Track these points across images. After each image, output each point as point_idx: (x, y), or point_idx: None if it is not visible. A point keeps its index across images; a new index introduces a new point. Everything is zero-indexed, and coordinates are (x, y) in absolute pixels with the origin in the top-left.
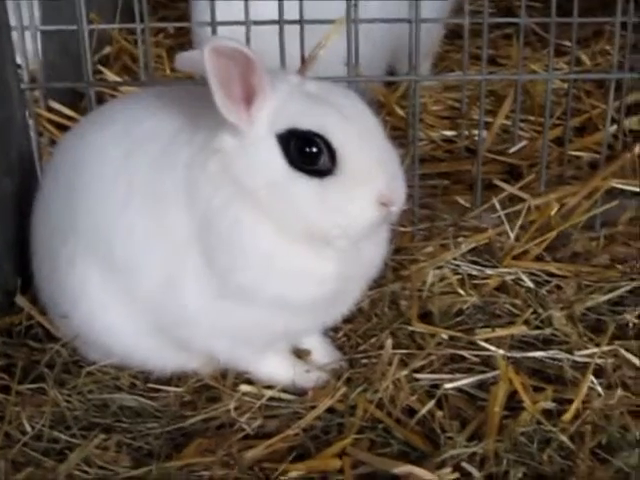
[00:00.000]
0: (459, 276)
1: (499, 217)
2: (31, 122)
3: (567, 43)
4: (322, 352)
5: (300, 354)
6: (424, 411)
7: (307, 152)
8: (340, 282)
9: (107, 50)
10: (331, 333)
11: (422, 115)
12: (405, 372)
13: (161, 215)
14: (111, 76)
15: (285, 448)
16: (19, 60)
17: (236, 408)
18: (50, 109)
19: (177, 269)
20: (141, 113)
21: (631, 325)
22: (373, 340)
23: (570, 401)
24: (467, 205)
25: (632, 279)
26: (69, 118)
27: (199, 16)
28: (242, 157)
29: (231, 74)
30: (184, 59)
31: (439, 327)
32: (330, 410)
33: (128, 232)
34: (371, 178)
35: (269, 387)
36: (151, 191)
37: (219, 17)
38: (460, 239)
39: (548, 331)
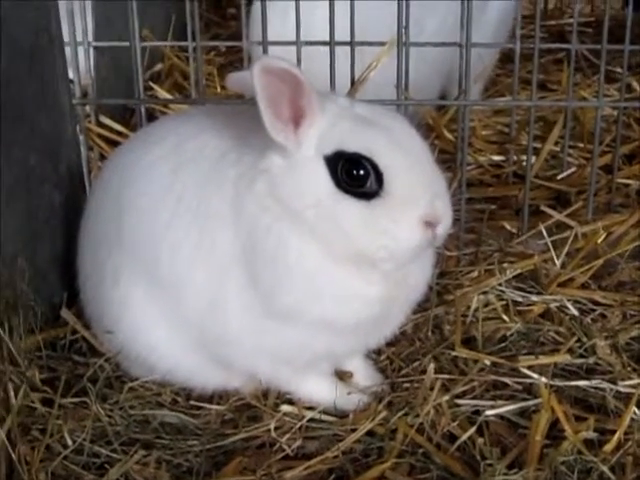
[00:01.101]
0: (504, 302)
1: (545, 244)
2: (81, 137)
3: (618, 70)
4: (364, 374)
5: (342, 376)
6: (465, 437)
7: (354, 174)
8: (384, 305)
9: (159, 67)
10: (374, 356)
11: (471, 139)
12: (447, 397)
13: (207, 233)
14: (162, 93)
15: (324, 470)
16: (71, 75)
17: (276, 428)
18: (101, 124)
19: (222, 287)
20: (190, 131)
21: None
22: (415, 364)
23: (612, 432)
24: (513, 231)
25: None
26: (119, 134)
27: (252, 35)
28: (289, 178)
29: (280, 94)
30: (234, 79)
31: (482, 353)
32: (370, 433)
33: (174, 249)
34: (417, 200)
35: (310, 408)
36: (198, 209)
37: (272, 36)
38: (505, 265)
39: (592, 360)
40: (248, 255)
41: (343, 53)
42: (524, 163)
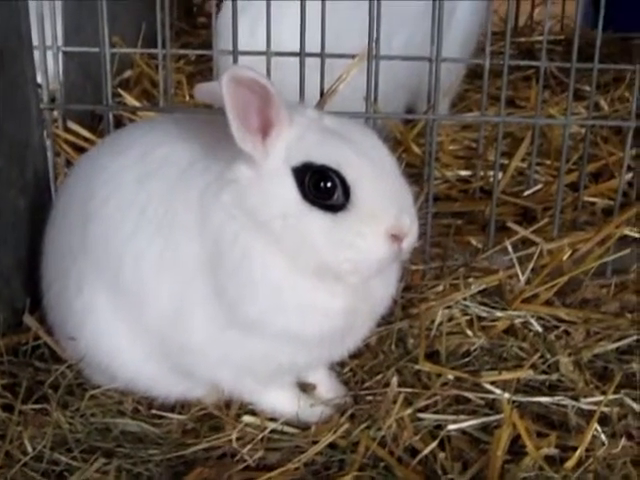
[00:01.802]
0: (468, 317)
1: (511, 259)
2: (48, 142)
3: (587, 88)
4: (327, 387)
5: (305, 388)
6: (426, 451)
7: (322, 187)
8: (348, 318)
9: (128, 74)
10: (337, 368)
11: (438, 154)
12: (409, 411)
13: (172, 243)
14: (130, 100)
15: None
16: (40, 79)
17: (238, 438)
18: (68, 130)
19: (186, 297)
20: (158, 139)
21: (638, 374)
22: (379, 377)
23: (574, 448)
24: (479, 246)
25: None
26: (86, 140)
27: (221, 44)
28: (256, 188)
29: (249, 104)
30: (203, 90)
31: (445, 367)
32: (332, 446)
33: (138, 258)
34: (383, 214)
35: (272, 419)
36: (163, 219)
37: (241, 46)
38: (471, 279)
39: (555, 377)
40: (213, 265)
41: (313, 64)
42: (491, 179)
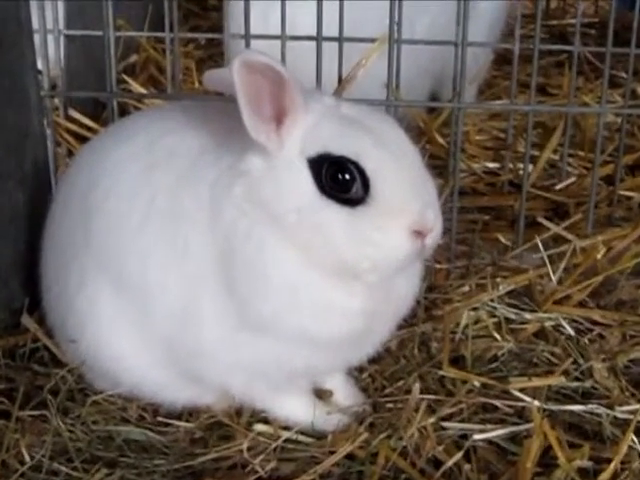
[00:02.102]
0: (495, 319)
1: (541, 258)
2: (49, 131)
3: (623, 74)
4: (345, 393)
5: (321, 394)
6: (451, 463)
7: (339, 179)
8: (367, 319)
9: (133, 59)
10: (355, 373)
11: (464, 145)
12: (432, 420)
13: (181, 238)
14: (136, 87)
15: None
16: (40, 65)
17: (249, 448)
18: (69, 118)
19: (195, 296)
20: (165, 128)
21: None
22: (400, 383)
23: (608, 460)
24: (508, 243)
25: None
26: (89, 129)
27: (233, 28)
28: (270, 181)
29: (261, 91)
30: (213, 76)
31: (471, 373)
32: (350, 456)
33: (144, 254)
34: (405, 208)
35: (286, 428)
36: (171, 212)
37: (254, 30)
38: (498, 279)
39: (588, 383)
40: (224, 261)
41: (330, 49)
42: (520, 172)
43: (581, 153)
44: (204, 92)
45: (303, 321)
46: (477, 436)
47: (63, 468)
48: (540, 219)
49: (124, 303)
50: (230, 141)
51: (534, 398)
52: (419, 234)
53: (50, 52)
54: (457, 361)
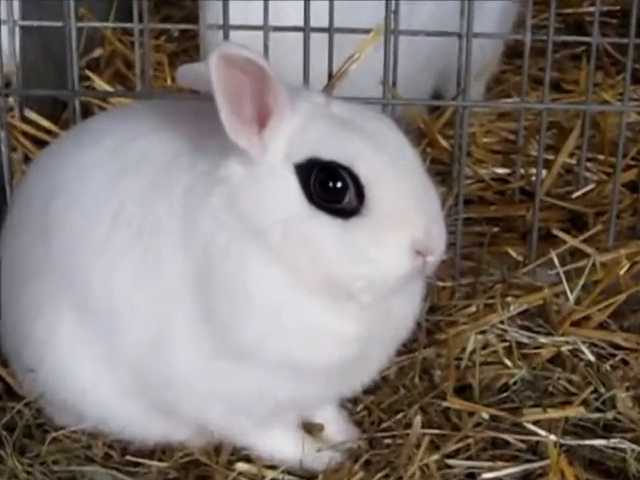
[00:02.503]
0: (506, 343)
1: (557, 274)
2: (3, 134)
3: None
4: (337, 428)
5: (310, 429)
6: None
7: (330, 187)
8: (362, 345)
9: (98, 53)
10: (349, 405)
11: (470, 148)
12: (436, 457)
13: (151, 253)
14: (100, 84)
15: None
16: None
17: None
18: (26, 120)
19: (167, 319)
20: (134, 130)
21: None
22: (399, 416)
23: None
24: (519, 258)
25: None
26: (48, 132)
27: (209, 17)
28: (252, 189)
29: (242, 89)
30: (187, 72)
31: (479, 404)
32: None
33: (110, 272)
34: (405, 221)
35: (271, 467)
36: (141, 224)
37: (234, 20)
38: (509, 299)
39: (610, 415)
40: (201, 280)
41: (319, 41)
42: (533, 178)
43: (601, 157)
44: (177, 90)
45: (290, 347)
46: (486, 475)
47: None
48: (555, 231)
49: (88, 327)
50: (207, 145)
51: (550, 432)
52: (420, 252)
53: (3, 45)
54: (463, 391)
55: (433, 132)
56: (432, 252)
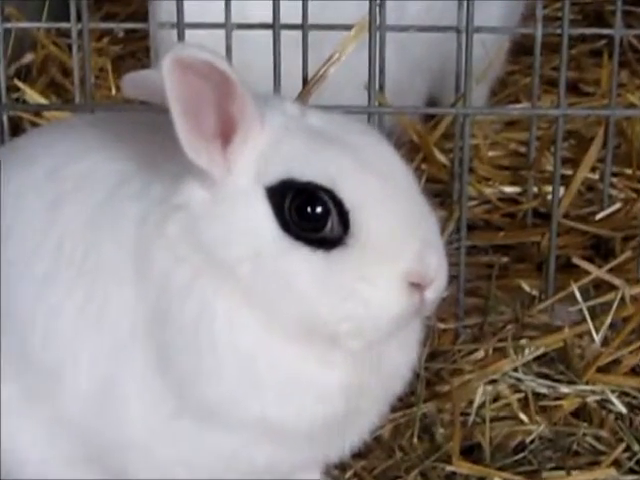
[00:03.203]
0: (521, 394)
1: (579, 311)
2: None
3: None
4: None
5: None
6: None
7: (309, 213)
8: (350, 399)
9: (28, 58)
10: (336, 472)
11: (473, 163)
12: None
13: (97, 295)
14: (32, 95)
15: None
16: None
17: None
18: None
19: (118, 372)
20: (72, 150)
21: None
22: None
23: None
24: (534, 293)
25: None
26: None
27: (161, 14)
28: (215, 218)
29: (202, 99)
30: (136, 81)
31: (490, 467)
32: None
33: (50, 316)
34: (398, 251)
35: None
36: (83, 262)
37: (190, 17)
38: (523, 341)
39: None
40: (156, 326)
41: (291, 41)
42: (549, 197)
43: (628, 171)
44: (124, 101)
45: (264, 405)
46: None
47: None
48: (576, 260)
49: (27, 382)
50: (160, 165)
51: None
52: (417, 285)
53: None
54: (471, 452)
55: (429, 145)
56: (430, 285)
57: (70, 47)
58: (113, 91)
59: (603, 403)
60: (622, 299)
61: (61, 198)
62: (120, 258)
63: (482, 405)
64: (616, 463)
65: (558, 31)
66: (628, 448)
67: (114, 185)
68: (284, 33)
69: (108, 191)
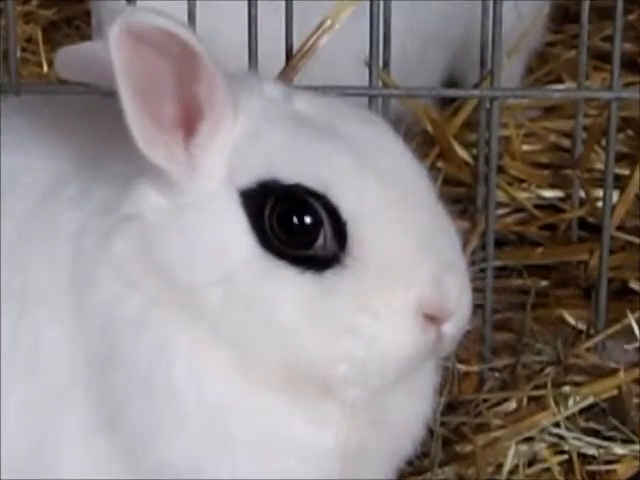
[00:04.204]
0: (564, 456)
1: (638, 349)
2: None
3: None
4: None
5: None
6: None
7: (295, 225)
8: (347, 463)
9: None
10: None
11: (502, 160)
12: None
13: (25, 328)
14: None
15: None
16: None
17: None
18: None
19: (50, 427)
20: None
21: None
22: None
23: None
24: (581, 326)
25: None
26: None
27: None
28: (176, 231)
29: (159, 78)
30: (73, 55)
31: None
32: None
33: None
34: (409, 274)
35: None
36: (7, 289)
37: None
38: (566, 388)
39: None
40: (100, 372)
41: (271, 5)
42: (599, 204)
43: None
44: (59, 81)
45: (236, 470)
46: None
47: None
48: (634, 283)
49: None
50: (105, 164)
51: None
52: (433, 317)
53: None
54: None
55: (446, 137)
56: (449, 318)
57: None
58: (45, 68)
59: None
60: None
61: None
62: (53, 283)
63: (514, 470)
64: None
65: None
66: None
67: (46, 189)
68: None
69: (39, 197)
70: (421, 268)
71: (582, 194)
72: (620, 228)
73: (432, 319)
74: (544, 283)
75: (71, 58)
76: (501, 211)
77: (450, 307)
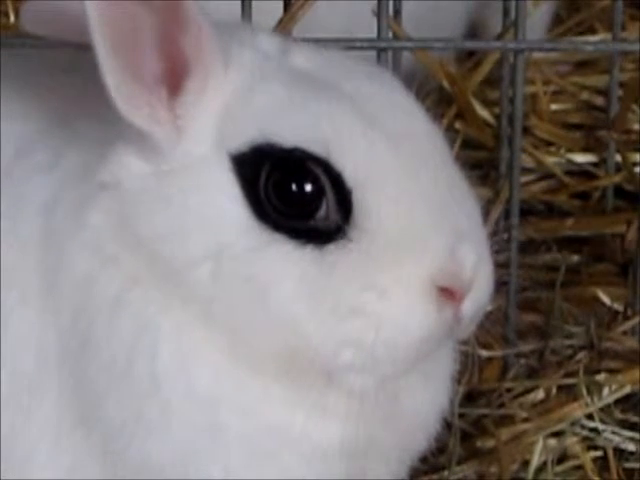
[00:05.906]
0: (598, 452)
1: None
2: None
3: None
4: None
5: None
6: None
7: (294, 193)
8: (353, 460)
9: None
10: None
11: (528, 121)
12: None
13: None
14: None
15: None
16: None
17: None
18: None
19: (17, 421)
20: None
21: None
22: None
23: None
24: (616, 306)
25: None
26: None
27: None
28: (159, 200)
29: (140, 30)
30: (41, 8)
31: None
32: None
33: None
34: (421, 246)
35: None
36: None
37: None
38: (600, 376)
39: None
40: (74, 358)
41: None
42: (637, 169)
43: None
44: (25, 35)
45: (229, 467)
46: None
47: None
48: None
49: None
50: (79, 126)
51: None
52: (448, 293)
53: None
54: None
55: (466, 95)
56: (468, 293)
57: None
58: (11, 18)
59: None
60: None
61: None
62: (20, 260)
63: (542, 468)
64: None
65: None
66: None
67: (12, 155)
68: None
69: (3, 162)
70: (434, 240)
71: (618, 158)
72: None
73: (448, 295)
74: (576, 258)
75: (39, 10)
76: (527, 177)
77: (468, 281)
